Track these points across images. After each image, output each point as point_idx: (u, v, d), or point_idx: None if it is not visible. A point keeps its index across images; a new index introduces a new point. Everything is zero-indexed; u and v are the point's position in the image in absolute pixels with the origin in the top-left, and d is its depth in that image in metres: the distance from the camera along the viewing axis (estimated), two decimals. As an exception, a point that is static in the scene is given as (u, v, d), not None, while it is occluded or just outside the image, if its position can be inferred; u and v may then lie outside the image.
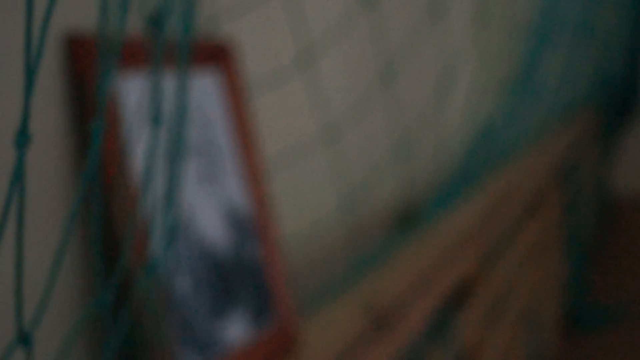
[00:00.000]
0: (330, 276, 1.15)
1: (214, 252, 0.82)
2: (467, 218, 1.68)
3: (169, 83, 0.81)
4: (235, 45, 0.89)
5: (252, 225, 0.88)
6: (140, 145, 0.73)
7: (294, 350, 0.91)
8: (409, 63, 1.20)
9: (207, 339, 0.78)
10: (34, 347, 0.45)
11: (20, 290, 0.41)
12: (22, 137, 0.38)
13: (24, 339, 0.43)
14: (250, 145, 0.90)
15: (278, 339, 0.88)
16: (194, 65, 0.85)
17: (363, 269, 1.19)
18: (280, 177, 1.01)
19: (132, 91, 0.75)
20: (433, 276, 1.38)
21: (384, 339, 1.10)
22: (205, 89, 0.86)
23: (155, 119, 0.58)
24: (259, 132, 0.94)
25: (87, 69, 0.69)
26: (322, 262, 1.19)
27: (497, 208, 1.95)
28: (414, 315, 1.26)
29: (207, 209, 0.82)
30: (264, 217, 0.90)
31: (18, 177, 0.38)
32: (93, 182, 0.44)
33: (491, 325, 2.05)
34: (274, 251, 0.90)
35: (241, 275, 0.85)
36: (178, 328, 0.75)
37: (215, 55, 0.87)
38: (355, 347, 1.02)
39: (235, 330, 0.83)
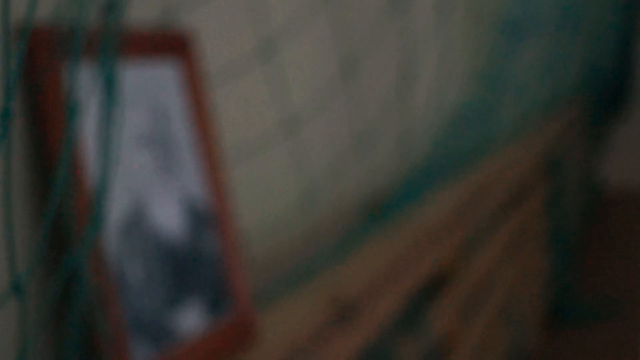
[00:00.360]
0: (292, 268, 1.15)
1: (168, 242, 0.82)
2: (441, 209, 1.68)
3: (126, 71, 0.81)
4: (194, 36, 0.89)
5: (210, 217, 0.89)
6: (89, 130, 0.73)
7: (251, 341, 0.91)
8: (371, 54, 1.20)
9: (161, 329, 0.79)
10: (26, 297, 0.47)
11: (13, 241, 0.42)
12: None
13: (17, 288, 0.44)
14: (210, 137, 0.90)
15: (235, 330, 0.89)
16: (152, 56, 0.85)
17: (327, 261, 1.19)
18: (240, 169, 1.01)
19: (85, 79, 0.75)
20: (402, 267, 1.38)
21: (348, 330, 1.11)
22: (163, 80, 0.86)
23: (107, 104, 0.58)
24: (218, 124, 0.94)
25: (41, 58, 0.69)
26: (284, 255, 1.19)
27: (474, 199, 1.96)
28: (381, 307, 1.26)
29: (163, 199, 0.82)
30: (222, 208, 0.90)
31: None
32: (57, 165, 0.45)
33: (467, 318, 2.06)
34: (231, 243, 0.90)
35: (197, 266, 0.85)
36: (129, 317, 0.75)
37: (174, 46, 0.87)
38: (317, 338, 1.02)
39: (191, 321, 0.83)
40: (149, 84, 0.84)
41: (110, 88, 0.57)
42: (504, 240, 2.48)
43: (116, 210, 0.76)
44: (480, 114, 1.76)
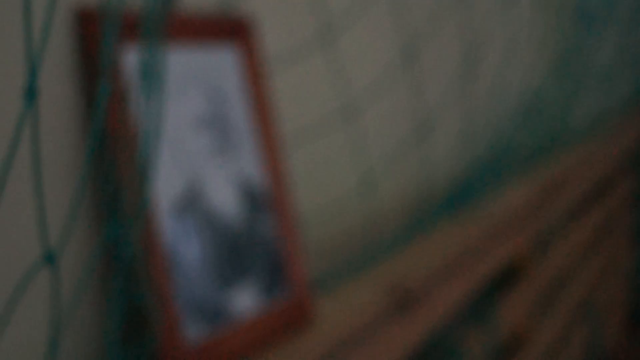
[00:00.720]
0: (352, 255, 1.15)
1: (224, 223, 0.83)
2: (514, 202, 1.66)
3: (185, 56, 0.83)
4: (255, 21, 0.90)
5: (267, 200, 0.90)
6: (140, 108, 0.75)
7: (306, 325, 0.92)
8: (433, 39, 1.19)
9: (215, 309, 0.80)
10: (59, 267, 0.48)
11: (44, 212, 0.43)
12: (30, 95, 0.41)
13: (49, 258, 0.46)
14: (268, 121, 0.91)
15: (290, 313, 0.89)
16: (212, 41, 0.86)
17: (388, 249, 1.19)
18: (300, 154, 1.02)
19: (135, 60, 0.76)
20: (471, 258, 1.37)
21: (407, 319, 1.10)
22: (223, 65, 0.87)
23: (148, 87, 0.60)
24: (277, 109, 0.95)
25: (92, 39, 0.71)
26: (344, 241, 1.19)
27: (550, 193, 1.92)
28: (445, 297, 1.26)
29: (219, 181, 0.84)
30: (279, 192, 0.91)
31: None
32: (100, 135, 0.46)
33: (541, 313, 2.03)
34: (289, 226, 0.91)
35: (253, 248, 0.86)
36: (183, 296, 0.76)
37: (234, 31, 0.88)
38: (374, 325, 1.02)
39: (245, 302, 0.84)
40: (209, 68, 0.85)
41: (152, 71, 0.58)
42: (585, 235, 2.43)
43: (172, 190, 0.78)
44: (553, 104, 1.72)
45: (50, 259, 0.44)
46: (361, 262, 1.12)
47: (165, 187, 0.77)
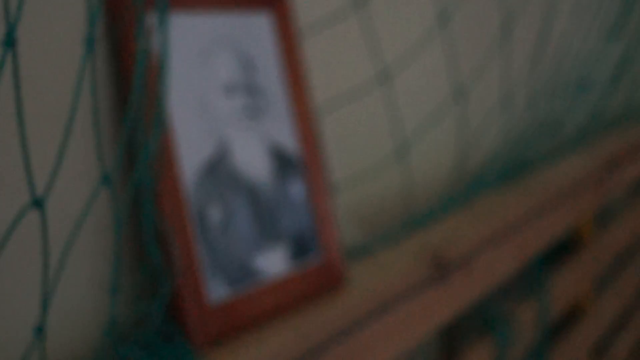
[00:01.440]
0: (389, 222, 1.15)
1: (253, 186, 0.84)
2: (575, 173, 1.63)
3: (217, 20, 0.84)
4: (287, -14, 0.90)
5: (298, 164, 0.90)
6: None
7: (337, 289, 0.92)
8: (468, 5, 1.17)
9: (242, 270, 0.81)
10: (46, 211, 0.50)
11: (28, 160, 0.45)
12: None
13: (37, 203, 0.48)
14: (301, 86, 0.91)
15: (320, 276, 0.90)
16: (246, 7, 0.87)
17: (427, 217, 1.19)
18: (333, 119, 1.02)
19: (177, 29, 0.78)
20: (520, 229, 1.36)
21: (445, 288, 1.10)
22: (256, 30, 0.88)
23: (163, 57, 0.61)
24: (310, 75, 0.95)
25: (122, 11, 0.73)
26: (380, 208, 1.19)
27: (616, 166, 1.88)
28: (488, 267, 1.25)
29: (250, 144, 0.85)
30: (312, 156, 0.92)
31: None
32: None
33: (601, 288, 2.00)
34: (321, 191, 0.92)
35: (283, 211, 0.88)
36: (208, 256, 0.78)
37: (268, -5, 0.89)
38: (409, 292, 1.03)
39: (274, 263, 0.85)
40: (242, 33, 0.86)
41: (162, 33, 0.60)
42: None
43: (201, 151, 0.79)
44: (613, 75, 1.68)
45: (107, 181, 0.47)
46: (399, 229, 1.12)
47: (194, 148, 0.79)
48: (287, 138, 0.90)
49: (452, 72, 1.05)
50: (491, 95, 1.25)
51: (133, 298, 0.75)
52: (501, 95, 1.20)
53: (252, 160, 0.85)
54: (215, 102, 0.82)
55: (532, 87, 1.28)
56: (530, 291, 1.51)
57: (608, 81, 1.69)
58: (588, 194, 1.72)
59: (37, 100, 0.64)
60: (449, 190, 1.21)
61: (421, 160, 1.24)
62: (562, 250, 1.78)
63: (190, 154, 0.78)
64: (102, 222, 0.74)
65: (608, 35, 1.49)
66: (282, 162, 0.89)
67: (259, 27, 0.88)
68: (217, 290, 0.79)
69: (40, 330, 0.54)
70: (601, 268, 1.90)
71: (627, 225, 2.09)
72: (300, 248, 0.89)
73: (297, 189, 0.90)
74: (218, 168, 0.81)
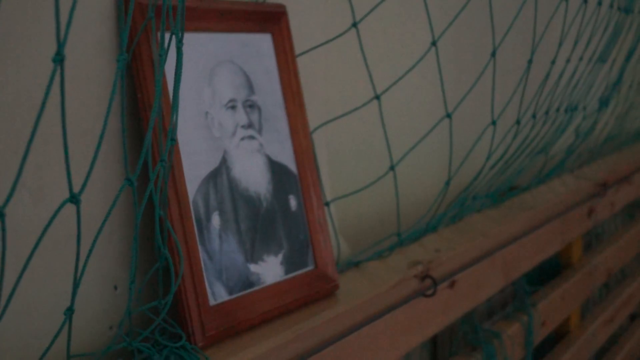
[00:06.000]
0: (381, 234, 1.20)
1: (252, 196, 0.90)
2: (567, 195, 1.68)
3: (224, 40, 0.90)
4: (286, 9, 0.96)
5: (295, 176, 0.96)
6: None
7: (331, 296, 0.97)
8: (459, 29, 1.24)
9: (240, 275, 0.87)
10: (80, 205, 0.59)
11: (67, 160, 0.53)
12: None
13: (74, 199, 0.57)
14: (298, 104, 0.97)
15: (315, 284, 0.95)
16: (249, 27, 0.93)
17: (418, 234, 1.24)
18: (326, 137, 1.08)
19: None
20: (506, 248, 1.40)
21: (434, 301, 1.15)
22: (257, 49, 0.94)
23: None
24: (307, 92, 1.01)
25: (137, 23, 0.79)
26: (373, 220, 1.25)
27: (609, 188, 1.94)
28: (477, 283, 1.30)
29: (249, 158, 0.90)
30: (307, 171, 0.97)
31: None
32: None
33: (589, 309, 2.04)
34: (315, 204, 0.97)
35: (280, 221, 0.93)
36: (210, 260, 0.83)
37: (269, 18, 0.95)
38: (398, 304, 1.08)
39: (270, 271, 0.90)
40: (243, 52, 0.92)
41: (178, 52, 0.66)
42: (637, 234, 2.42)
43: (203, 162, 0.85)
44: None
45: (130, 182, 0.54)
46: (389, 243, 1.17)
47: (198, 159, 0.84)
48: (284, 152, 0.95)
49: (443, 94, 1.11)
50: (483, 117, 1.31)
51: (139, 299, 0.80)
52: (492, 116, 1.26)
53: (251, 173, 0.91)
54: (218, 117, 0.87)
55: (522, 109, 1.34)
56: (518, 310, 1.56)
57: (597, 104, 1.75)
58: (576, 217, 1.77)
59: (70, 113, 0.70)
60: (438, 207, 1.26)
61: (412, 178, 1.29)
62: (552, 272, 1.83)
63: (194, 165, 0.84)
64: (112, 224, 0.79)
65: (599, 58, 1.55)
66: (279, 175, 0.94)
67: (259, 46, 0.94)
68: (217, 294, 0.84)
69: (71, 311, 0.61)
70: (589, 291, 1.94)
71: (616, 250, 2.14)
72: (295, 257, 0.94)
73: (292, 201, 0.95)
74: (219, 179, 0.86)
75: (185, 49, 0.83)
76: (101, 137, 0.59)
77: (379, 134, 1.07)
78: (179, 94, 0.68)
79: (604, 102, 1.71)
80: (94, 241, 0.64)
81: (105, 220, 0.66)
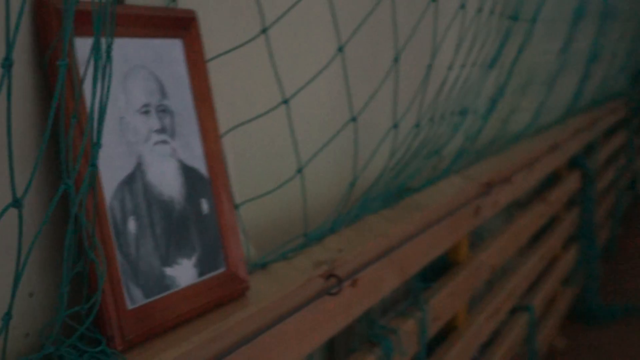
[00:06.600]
0: (288, 235, 1.23)
1: (165, 200, 0.91)
2: (455, 195, 1.74)
3: (135, 45, 0.90)
4: (196, 15, 0.98)
5: (207, 182, 0.97)
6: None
7: (242, 297, 0.99)
8: (369, 33, 1.28)
9: (155, 278, 0.87)
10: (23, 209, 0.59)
11: (12, 164, 0.53)
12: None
13: (17, 202, 0.58)
14: (208, 109, 0.98)
15: (227, 285, 0.97)
16: (160, 32, 0.93)
17: (323, 232, 1.27)
18: (235, 142, 1.10)
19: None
20: (402, 247, 1.45)
21: (338, 300, 1.18)
22: (169, 54, 0.94)
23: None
24: (217, 97, 1.02)
25: (50, 29, 0.79)
26: (280, 222, 1.27)
27: (494, 188, 2.02)
28: (376, 281, 1.34)
29: (162, 162, 0.91)
30: (218, 175, 0.99)
31: None
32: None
33: (476, 305, 2.12)
34: (226, 207, 0.99)
35: (193, 225, 0.94)
36: (126, 264, 0.84)
37: (180, 24, 0.96)
38: (305, 303, 1.10)
39: (186, 273, 0.92)
40: (155, 57, 0.92)
41: (101, 58, 0.66)
42: (524, 232, 2.53)
43: (118, 167, 0.85)
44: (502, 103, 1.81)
45: (17, 202, 0.54)
46: (294, 244, 1.20)
47: (113, 164, 0.84)
48: (196, 157, 0.96)
49: (348, 98, 1.14)
50: (382, 122, 1.35)
51: (58, 305, 0.80)
52: (390, 121, 1.30)
53: (165, 177, 0.91)
54: (132, 122, 0.88)
55: (418, 113, 1.39)
56: (412, 306, 1.61)
57: (484, 108, 1.82)
58: (465, 216, 1.84)
59: None
60: (341, 209, 1.29)
61: (319, 180, 1.32)
62: (440, 270, 1.90)
63: (110, 170, 0.84)
64: (27, 232, 0.79)
65: (487, 65, 1.62)
66: (191, 179, 0.95)
67: (170, 51, 0.95)
68: (134, 298, 0.84)
69: (9, 316, 0.63)
70: (475, 287, 2.02)
71: (498, 247, 2.22)
72: (208, 259, 0.96)
73: (204, 205, 0.97)
74: (134, 184, 0.87)
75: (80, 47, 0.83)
76: (42, 146, 0.59)
77: (287, 138, 1.09)
78: (108, 100, 0.69)
79: (492, 106, 1.78)
80: (31, 245, 0.64)
81: (42, 226, 0.66)
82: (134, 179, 0.87)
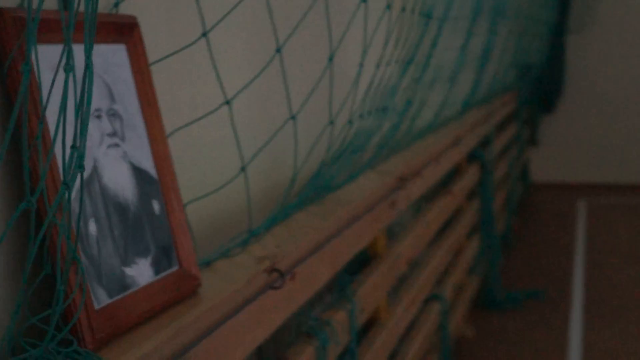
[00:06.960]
0: (231, 233, 1.26)
1: (121, 202, 0.92)
2: (372, 190, 1.80)
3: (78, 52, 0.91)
4: (138, 21, 1.00)
5: (156, 182, 0.99)
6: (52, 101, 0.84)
7: (196, 293, 1.02)
8: (300, 42, 1.32)
9: (117, 279, 0.89)
10: None
11: None
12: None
13: None
14: (154, 112, 1.01)
15: (181, 283, 0.99)
16: (104, 38, 0.95)
17: (263, 228, 1.30)
18: (181, 141, 1.12)
19: (48, 57, 0.85)
20: (331, 241, 1.50)
21: (281, 294, 1.22)
22: (114, 59, 0.96)
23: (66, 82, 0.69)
24: (161, 100, 1.05)
25: (8, 39, 0.80)
26: (224, 220, 1.30)
27: (405, 183, 2.08)
28: (313, 276, 1.38)
29: (116, 164, 0.93)
30: (167, 176, 1.01)
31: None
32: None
33: (394, 296, 2.19)
34: (175, 206, 1.01)
35: (147, 225, 0.96)
36: (89, 267, 0.85)
37: (123, 29, 0.98)
38: (253, 297, 1.14)
39: (143, 273, 0.94)
40: (104, 62, 0.94)
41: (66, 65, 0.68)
42: (432, 224, 2.61)
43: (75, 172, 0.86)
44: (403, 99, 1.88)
45: None
46: (239, 240, 1.23)
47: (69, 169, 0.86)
48: (145, 159, 0.99)
49: (287, 97, 1.18)
50: (318, 121, 1.40)
51: (28, 310, 0.81)
52: (330, 117, 1.35)
53: (119, 180, 0.93)
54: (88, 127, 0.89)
55: (350, 112, 1.44)
56: (342, 299, 1.65)
57: (401, 105, 1.89)
58: (383, 209, 1.90)
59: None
60: (279, 206, 1.33)
61: (263, 177, 1.35)
62: (362, 263, 1.95)
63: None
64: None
65: (406, 62, 1.69)
66: (142, 181, 0.97)
67: (115, 56, 0.97)
68: (100, 298, 0.86)
69: None
70: (394, 279, 2.08)
71: (411, 240, 2.29)
72: (162, 258, 0.98)
73: (156, 206, 0.99)
74: (92, 187, 0.89)
75: (49, 61, 0.85)
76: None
77: (231, 137, 1.12)
78: (89, 114, 0.70)
79: (408, 102, 1.85)
80: None
81: (4, 234, 0.67)
82: (92, 182, 0.89)
